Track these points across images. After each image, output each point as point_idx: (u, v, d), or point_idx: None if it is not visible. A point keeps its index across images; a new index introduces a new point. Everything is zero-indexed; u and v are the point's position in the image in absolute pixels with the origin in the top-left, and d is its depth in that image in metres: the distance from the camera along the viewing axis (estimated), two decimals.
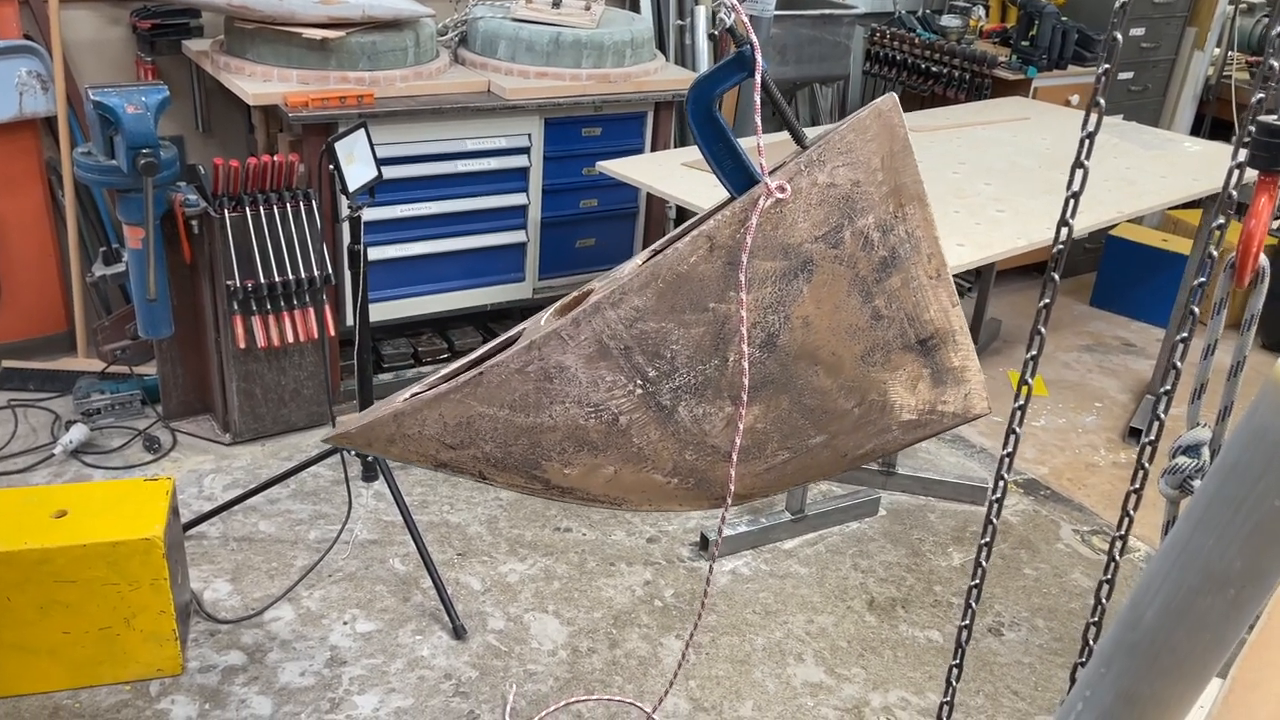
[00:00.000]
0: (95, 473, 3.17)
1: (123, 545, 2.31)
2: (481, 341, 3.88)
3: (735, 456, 1.35)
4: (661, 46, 4.30)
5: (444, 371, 1.41)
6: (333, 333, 3.36)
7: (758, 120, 1.40)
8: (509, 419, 1.25)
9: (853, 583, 2.97)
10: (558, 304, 1.42)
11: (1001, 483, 1.25)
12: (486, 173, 3.53)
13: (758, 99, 1.37)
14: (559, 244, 3.79)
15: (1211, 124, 5.30)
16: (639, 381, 1.27)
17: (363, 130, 2.56)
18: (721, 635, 2.74)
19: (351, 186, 2.49)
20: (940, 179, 3.29)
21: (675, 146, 3.96)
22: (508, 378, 1.24)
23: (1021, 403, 1.18)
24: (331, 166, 2.45)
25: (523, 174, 3.60)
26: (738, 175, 1.41)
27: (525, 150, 3.56)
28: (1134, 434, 3.81)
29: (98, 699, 2.41)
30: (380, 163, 2.70)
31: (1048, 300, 1.10)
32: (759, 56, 1.38)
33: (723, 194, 1.43)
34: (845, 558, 3.07)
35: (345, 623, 2.68)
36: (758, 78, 1.37)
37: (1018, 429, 1.20)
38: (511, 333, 1.44)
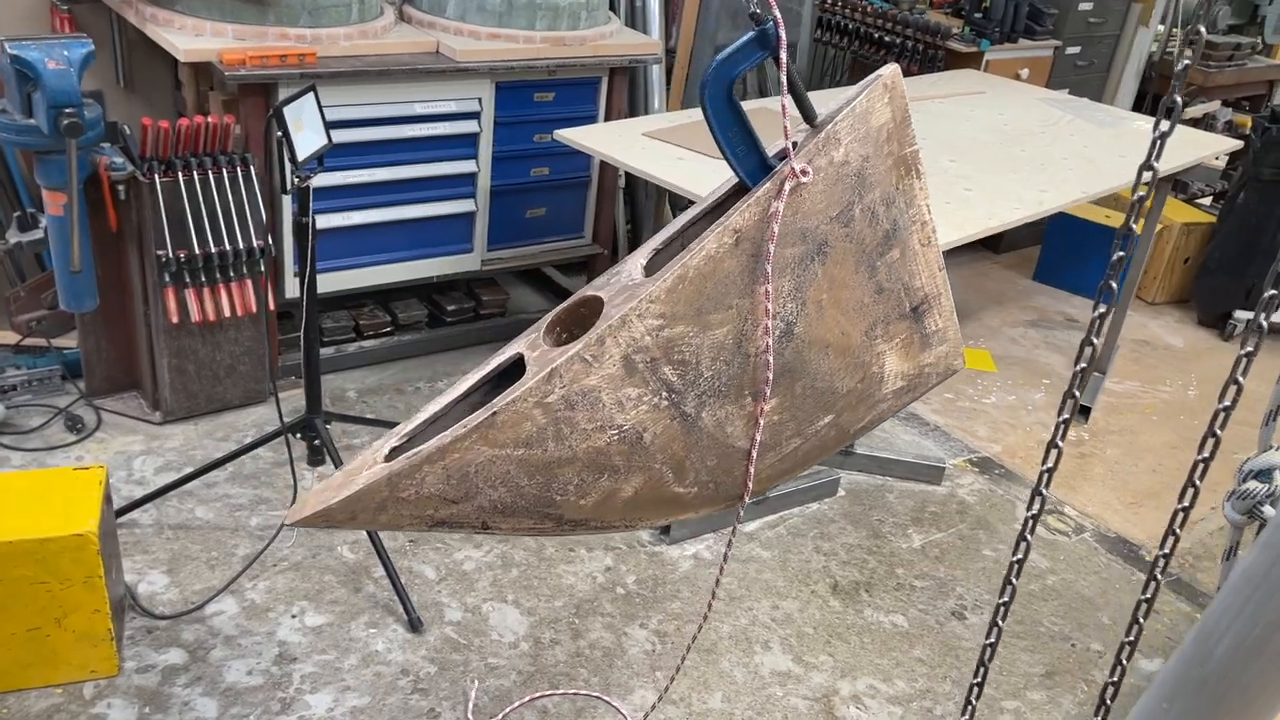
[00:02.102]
0: (13, 455, 2.95)
1: (53, 542, 2.14)
2: (426, 314, 3.72)
3: (754, 454, 1.29)
4: (612, 8, 4.14)
5: (419, 420, 1.24)
6: (272, 306, 3.18)
7: (786, 101, 1.33)
8: (524, 458, 1.12)
9: (815, 566, 2.93)
10: (548, 320, 1.28)
11: (1039, 498, 1.18)
12: (434, 138, 3.36)
13: (783, 77, 1.30)
14: (509, 213, 3.64)
15: (1153, 101, 5.35)
16: (664, 394, 1.17)
17: (312, 94, 2.38)
18: (686, 623, 2.67)
19: (301, 155, 2.32)
20: None
21: (629, 115, 3.83)
22: (524, 413, 1.11)
23: (1066, 416, 1.11)
24: (280, 133, 2.27)
25: (472, 140, 3.44)
26: (751, 160, 1.33)
27: (475, 115, 3.39)
28: (1083, 412, 3.84)
29: (27, 704, 2.24)
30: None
31: (1102, 310, 1.03)
32: (783, 34, 1.30)
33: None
34: (807, 540, 3.03)
35: (293, 616, 2.54)
36: (783, 56, 1.30)
37: (1060, 442, 1.13)
38: (498, 363, 1.28)
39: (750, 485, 1.31)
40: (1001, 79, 4.33)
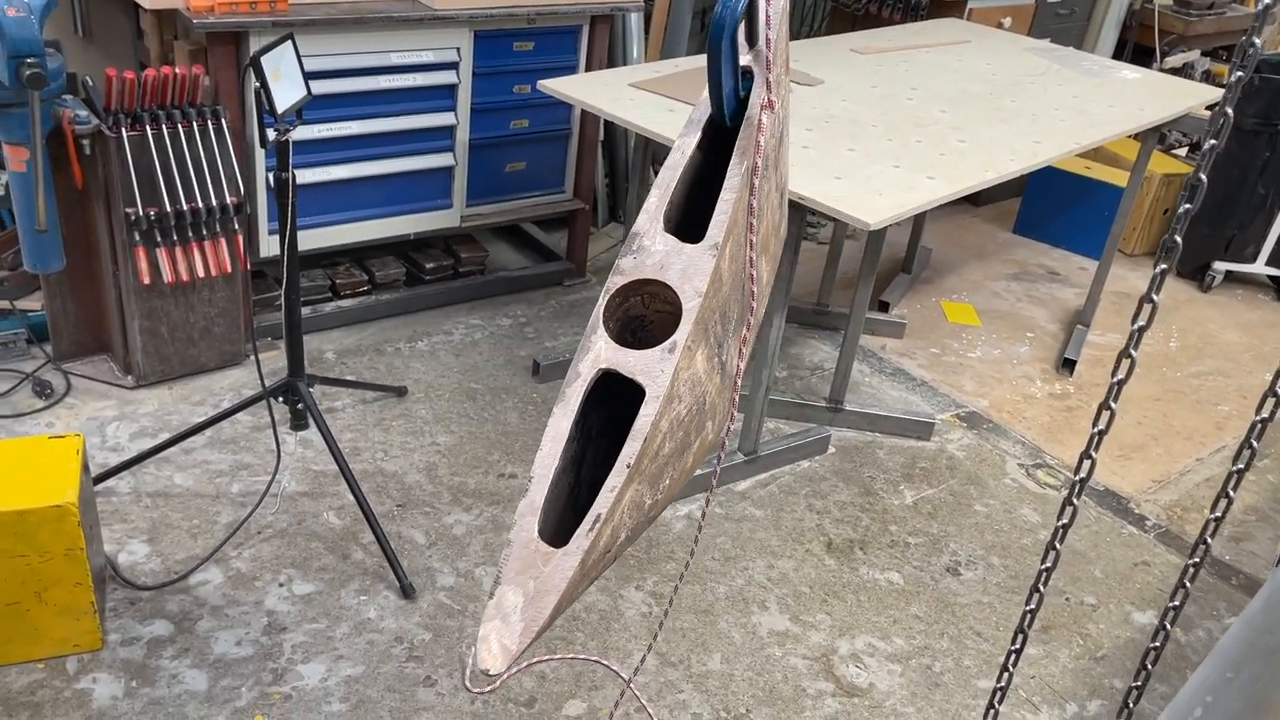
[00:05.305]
0: None
1: (31, 514, 2.05)
2: (404, 272, 3.62)
3: (739, 381, 1.28)
4: None
5: (544, 486, 1.03)
6: (246, 266, 3.07)
7: (772, 34, 1.34)
8: (651, 473, 1.04)
9: (809, 524, 2.91)
10: (600, 320, 1.12)
11: (1074, 500, 1.14)
12: (412, 90, 3.24)
13: (779, 3, 1.29)
14: (488, 167, 3.55)
15: (1133, 50, 5.31)
16: (717, 351, 1.13)
17: (290, 43, 2.27)
18: (683, 584, 2.64)
19: (280, 107, 2.22)
20: (896, 105, 3.16)
21: (609, 65, 3.72)
22: (659, 428, 1.02)
23: (1106, 414, 1.06)
24: (258, 85, 2.16)
25: (450, 91, 3.33)
26: (733, 96, 1.31)
27: (454, 65, 3.28)
28: (1068, 364, 3.83)
29: (8, 679, 2.17)
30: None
31: (1164, 267, 0.98)
32: None
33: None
34: (799, 498, 3.00)
35: (281, 584, 2.48)
36: None
37: (1095, 450, 1.09)
38: (581, 393, 1.08)
39: (735, 412, 1.28)
40: (985, 28, 4.27)
